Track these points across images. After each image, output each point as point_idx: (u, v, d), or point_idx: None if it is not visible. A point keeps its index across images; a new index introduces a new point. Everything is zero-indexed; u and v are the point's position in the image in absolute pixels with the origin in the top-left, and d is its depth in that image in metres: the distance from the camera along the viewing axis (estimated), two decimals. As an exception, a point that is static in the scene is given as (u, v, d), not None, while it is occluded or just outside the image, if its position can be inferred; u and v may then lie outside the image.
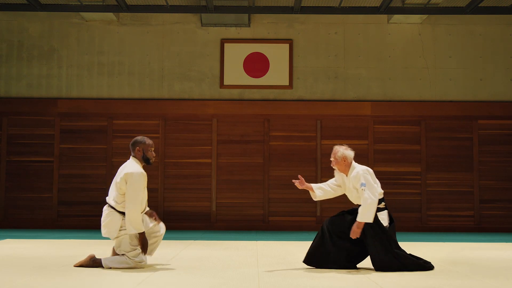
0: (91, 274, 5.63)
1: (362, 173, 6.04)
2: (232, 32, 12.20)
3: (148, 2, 10.95)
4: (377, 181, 6.14)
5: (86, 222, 11.79)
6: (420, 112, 12.02)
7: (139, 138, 6.35)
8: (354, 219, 6.04)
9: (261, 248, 8.18)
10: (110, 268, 5.96)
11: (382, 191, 6.15)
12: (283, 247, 8.40)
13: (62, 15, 12.12)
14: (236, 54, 12.13)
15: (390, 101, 12.08)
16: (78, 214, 11.84)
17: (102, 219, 6.20)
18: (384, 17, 12.13)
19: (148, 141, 6.32)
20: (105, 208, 6.23)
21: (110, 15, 11.85)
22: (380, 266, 5.97)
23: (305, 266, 6.28)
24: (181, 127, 12.05)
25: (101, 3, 11.09)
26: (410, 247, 8.47)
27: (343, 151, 6.23)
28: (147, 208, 6.41)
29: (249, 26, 12.17)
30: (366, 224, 5.97)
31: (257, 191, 11.94)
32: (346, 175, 6.23)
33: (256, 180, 11.94)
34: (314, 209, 11.79)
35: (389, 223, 6.17)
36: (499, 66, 12.17)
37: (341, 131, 11.70)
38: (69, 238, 9.49)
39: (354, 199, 6.20)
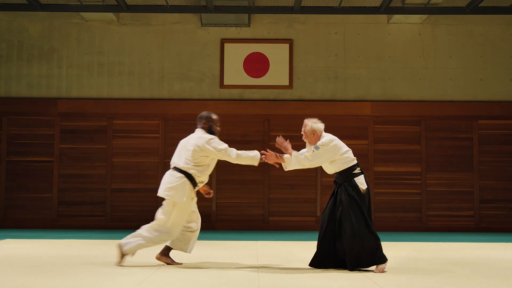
0: (91, 274, 5.63)
1: (325, 141, 6.19)
2: (232, 32, 12.20)
3: (148, 2, 10.95)
4: (346, 148, 6.21)
5: (86, 222, 11.79)
6: (420, 112, 12.02)
7: (204, 113, 6.68)
8: (333, 201, 6.19)
9: (261, 248, 8.18)
10: (127, 254, 6.14)
11: (355, 157, 6.24)
12: (283, 247, 8.40)
13: (62, 15, 12.12)
14: (236, 54, 12.13)
15: (390, 101, 12.08)
16: (78, 214, 11.84)
17: (168, 181, 6.38)
18: (384, 17, 12.13)
19: (214, 116, 6.62)
20: (173, 172, 6.44)
21: (110, 15, 11.85)
22: (348, 246, 5.96)
23: (305, 266, 6.28)
24: (181, 127, 12.04)
25: (101, 3, 11.09)
26: (410, 247, 8.48)
27: (311, 124, 6.39)
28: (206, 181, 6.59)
29: (249, 26, 12.17)
30: (345, 194, 6.05)
31: (257, 191, 11.94)
32: None
33: (256, 180, 11.94)
34: (314, 209, 11.79)
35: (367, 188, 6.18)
36: (499, 66, 12.17)
37: (341, 131, 11.65)
38: (69, 238, 9.48)
39: (328, 170, 6.33)
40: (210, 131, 6.52)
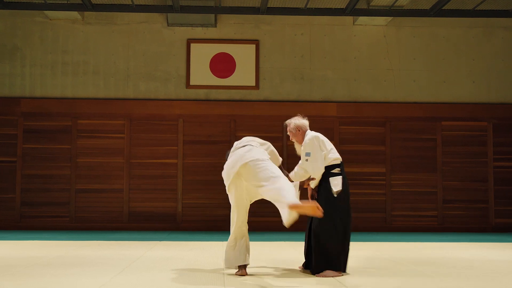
0: (54, 275, 5.56)
1: (309, 141, 5.96)
2: (199, 32, 12.17)
3: (113, 1, 10.83)
4: (330, 146, 5.98)
5: (50, 223, 11.64)
6: (384, 113, 12.14)
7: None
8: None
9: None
10: None
11: (339, 157, 5.97)
12: (249, 248, 8.39)
13: (25, 13, 11.94)
14: (202, 54, 12.10)
15: (355, 102, 12.18)
16: (42, 215, 11.68)
17: None
18: (349, 18, 12.23)
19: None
20: None
21: (75, 14, 11.71)
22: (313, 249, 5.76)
23: (270, 266, 6.30)
24: (146, 127, 11.97)
25: (66, 2, 10.94)
26: (375, 247, 8.56)
27: (295, 121, 6.21)
28: None
29: (216, 26, 12.15)
30: (317, 193, 5.86)
31: (223, 191, 11.73)
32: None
33: (222, 181, 11.86)
34: (280, 209, 11.80)
35: (343, 188, 5.88)
36: (461, 68, 12.36)
37: (307, 131, 11.73)
38: (32, 239, 9.35)
39: None
40: None
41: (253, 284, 5.24)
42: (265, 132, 11.85)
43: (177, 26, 12.09)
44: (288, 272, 5.94)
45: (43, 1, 10.68)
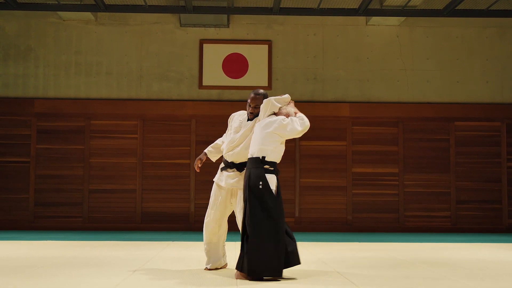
0: (68, 275, 5.58)
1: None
2: (211, 32, 12.18)
3: (126, 2, 10.88)
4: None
5: (63, 224, 11.70)
6: (397, 113, 12.11)
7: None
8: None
9: (239, 249, 8.15)
10: None
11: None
12: (262, 248, 8.37)
13: (39, 14, 12.02)
14: (215, 55, 12.12)
15: (368, 102, 12.15)
16: (55, 215, 11.74)
17: None
18: (362, 19, 12.20)
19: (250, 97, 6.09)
20: None
21: (88, 15, 11.76)
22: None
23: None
24: (159, 128, 12.00)
25: (79, 3, 11.00)
26: (388, 247, 8.53)
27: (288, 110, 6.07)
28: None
29: (228, 26, 12.16)
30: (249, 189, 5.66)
31: (235, 192, 11.90)
32: None
33: (235, 181, 11.91)
34: (293, 210, 11.80)
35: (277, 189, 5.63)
36: (475, 68, 12.30)
37: (319, 132, 11.73)
38: (46, 240, 9.40)
39: (264, 150, 5.77)
40: None
41: (264, 285, 5.23)
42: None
43: (190, 26, 12.12)
44: (300, 273, 5.94)
45: (56, 2, 10.74)
